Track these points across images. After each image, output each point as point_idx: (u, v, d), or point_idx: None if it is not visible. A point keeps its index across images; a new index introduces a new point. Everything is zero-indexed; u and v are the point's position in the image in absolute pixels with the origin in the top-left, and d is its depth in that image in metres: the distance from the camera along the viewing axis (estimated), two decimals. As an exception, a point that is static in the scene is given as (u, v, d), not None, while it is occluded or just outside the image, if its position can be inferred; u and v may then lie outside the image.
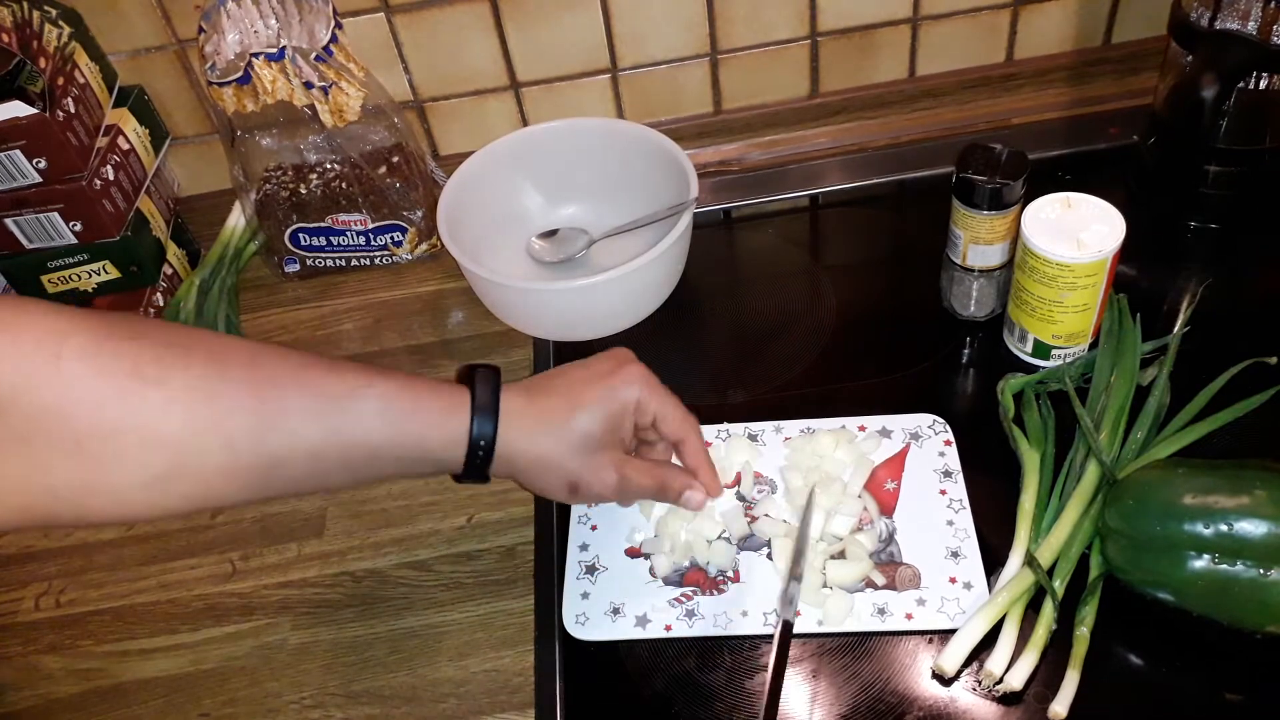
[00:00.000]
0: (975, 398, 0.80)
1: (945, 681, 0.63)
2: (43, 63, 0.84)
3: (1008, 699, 0.62)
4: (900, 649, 0.65)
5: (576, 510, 0.73)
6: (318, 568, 0.75)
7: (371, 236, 0.95)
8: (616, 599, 0.68)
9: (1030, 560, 0.65)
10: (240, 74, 0.83)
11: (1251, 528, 0.58)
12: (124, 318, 0.54)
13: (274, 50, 0.83)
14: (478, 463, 0.59)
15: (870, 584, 0.67)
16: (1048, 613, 0.63)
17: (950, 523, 0.69)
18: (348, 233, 0.94)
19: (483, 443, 0.59)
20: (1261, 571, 0.58)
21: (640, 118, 1.05)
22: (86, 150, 0.87)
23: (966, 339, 0.83)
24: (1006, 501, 0.69)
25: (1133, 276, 0.78)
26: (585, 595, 0.68)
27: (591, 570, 0.70)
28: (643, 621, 0.67)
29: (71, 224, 0.87)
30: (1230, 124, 0.84)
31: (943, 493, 0.71)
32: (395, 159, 0.93)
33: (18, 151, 0.82)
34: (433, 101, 1.02)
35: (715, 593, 0.68)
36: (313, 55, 0.84)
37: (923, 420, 0.75)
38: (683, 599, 0.68)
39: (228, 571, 0.76)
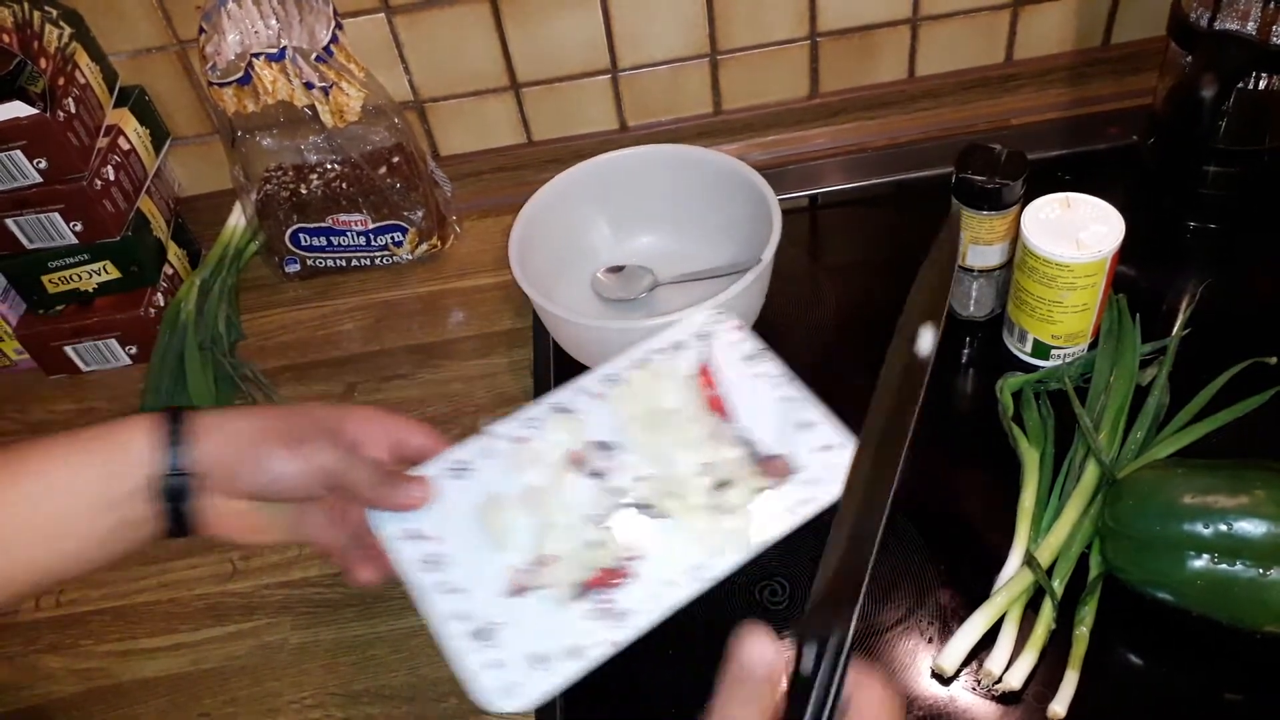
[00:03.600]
0: (975, 397, 0.80)
1: (944, 681, 0.63)
2: (43, 63, 0.84)
3: (1007, 698, 0.62)
4: (900, 649, 0.65)
5: (429, 579, 0.59)
6: (318, 567, 0.75)
7: (372, 237, 0.95)
8: (532, 648, 0.57)
9: (1030, 560, 0.65)
10: (241, 74, 0.83)
11: (1251, 527, 0.58)
12: None
13: (274, 50, 0.83)
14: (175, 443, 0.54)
15: (760, 490, 0.63)
16: (1047, 612, 0.63)
17: (784, 399, 0.66)
18: (348, 233, 0.95)
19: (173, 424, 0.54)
20: (1261, 571, 0.58)
21: (640, 118, 1.05)
22: (87, 150, 0.87)
23: (966, 339, 0.83)
24: (1006, 501, 0.69)
25: (1132, 277, 0.78)
26: (498, 664, 0.57)
27: (484, 635, 0.58)
28: (575, 653, 0.57)
29: (72, 224, 0.87)
30: (1229, 124, 0.84)
31: (761, 375, 0.68)
32: (395, 159, 0.93)
33: (18, 152, 0.82)
34: (433, 102, 1.03)
35: (625, 581, 0.60)
36: (313, 55, 0.84)
37: (701, 318, 0.71)
38: (600, 607, 0.60)
39: (228, 571, 0.76)
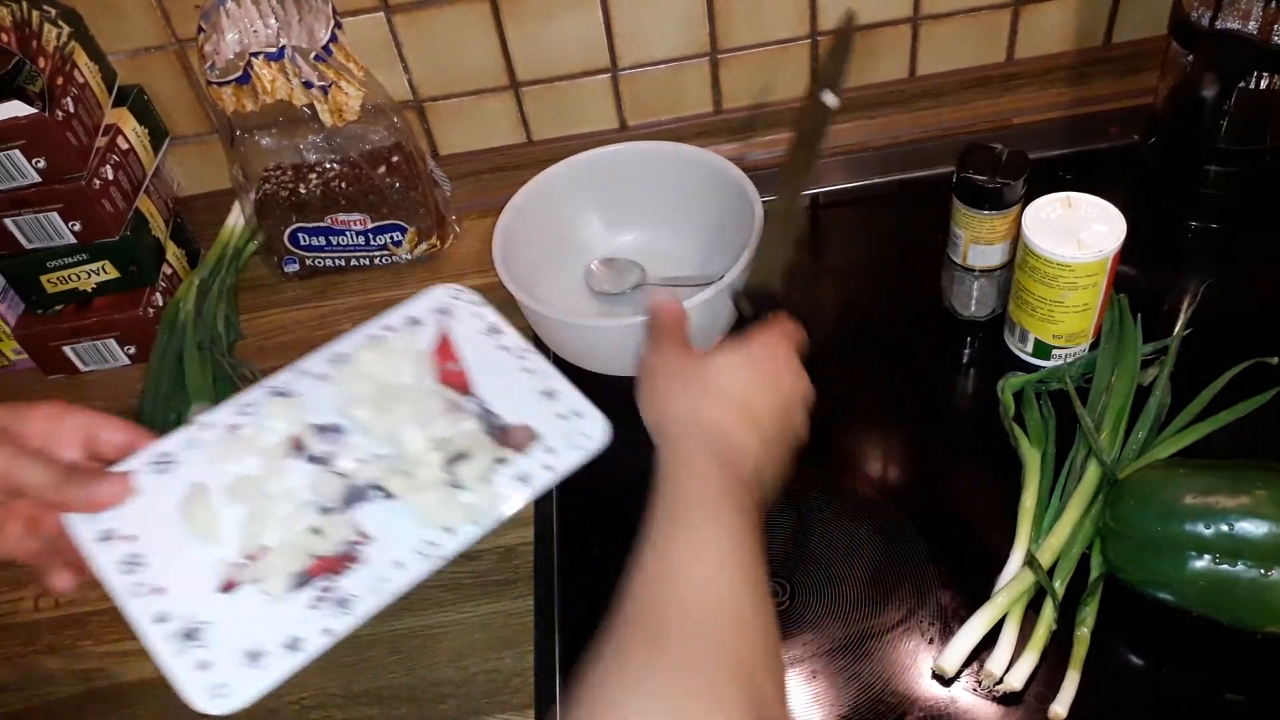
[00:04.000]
0: (976, 397, 0.80)
1: (945, 682, 0.63)
2: (42, 62, 0.84)
3: (1008, 699, 0.62)
4: (901, 650, 0.65)
5: (129, 581, 0.57)
6: (317, 568, 0.75)
7: (371, 236, 0.95)
8: (245, 645, 0.55)
9: (1031, 560, 0.65)
10: (240, 73, 0.83)
11: (1252, 528, 0.58)
12: None
13: (273, 50, 0.83)
14: None
15: (499, 461, 0.62)
16: (1048, 613, 0.63)
17: (526, 370, 0.66)
18: (347, 233, 0.94)
19: None
20: (1262, 571, 0.58)
21: (640, 117, 1.05)
22: (86, 150, 0.87)
23: (967, 339, 0.83)
24: (1007, 501, 0.69)
25: (1133, 276, 0.78)
26: (204, 665, 0.55)
27: (191, 635, 0.56)
28: (294, 645, 0.55)
29: (71, 224, 0.87)
30: (1231, 124, 0.84)
31: (502, 348, 0.67)
32: (395, 159, 0.93)
33: (17, 151, 0.82)
34: (432, 101, 1.02)
35: (351, 566, 0.59)
36: (312, 55, 0.84)
37: (441, 294, 0.70)
38: (322, 595, 0.58)
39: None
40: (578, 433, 0.62)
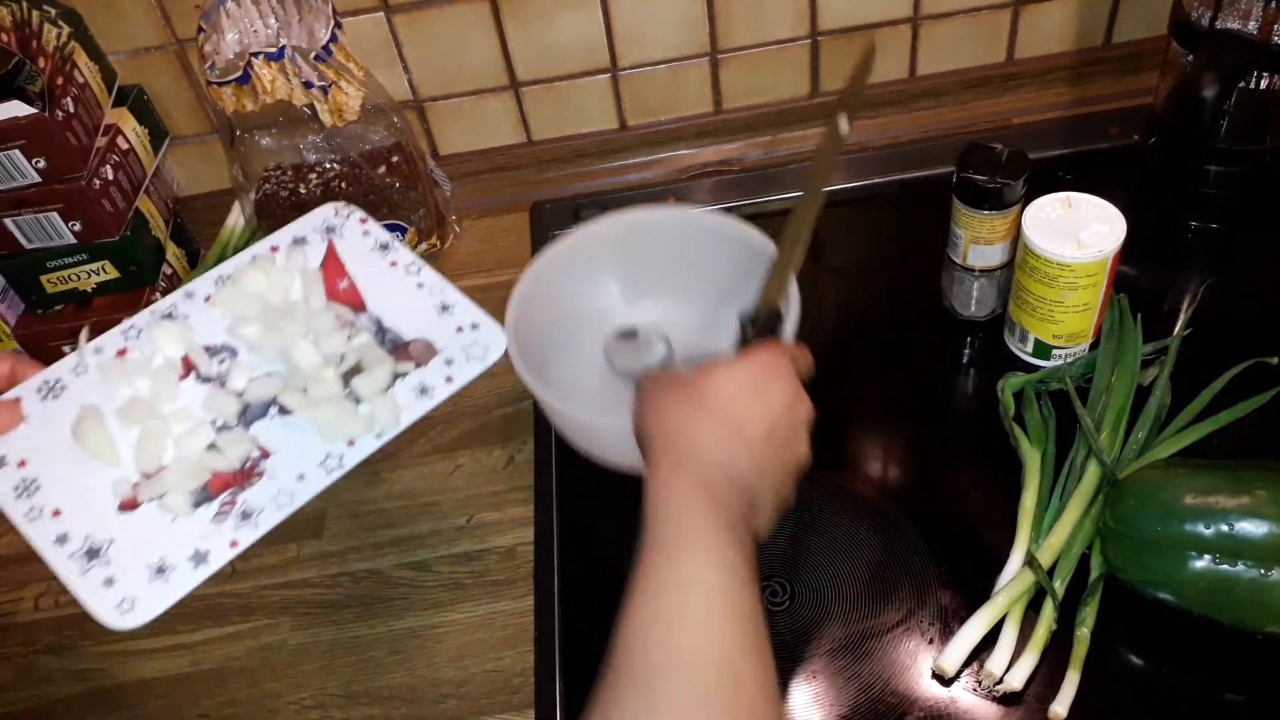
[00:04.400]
0: (976, 398, 0.80)
1: (945, 682, 0.63)
2: (42, 62, 0.84)
3: (1008, 699, 0.62)
4: (901, 650, 0.65)
5: (24, 506, 0.58)
6: (317, 568, 0.75)
7: (371, 236, 0.94)
8: (149, 559, 0.56)
9: (1031, 560, 0.65)
10: (240, 73, 0.83)
11: (1252, 528, 0.58)
12: None
13: (273, 50, 0.83)
14: None
15: (398, 376, 0.64)
16: (1048, 613, 0.63)
17: (420, 285, 0.67)
18: (347, 232, 0.94)
19: None
20: (1262, 572, 0.58)
21: (640, 117, 1.05)
22: (86, 150, 0.87)
23: (967, 339, 0.83)
24: (1007, 501, 0.69)
25: (1133, 276, 0.78)
26: (109, 582, 0.56)
27: (94, 554, 0.57)
28: (200, 558, 0.57)
29: (71, 224, 0.87)
30: (1231, 124, 0.84)
31: (394, 264, 0.68)
32: (395, 159, 0.93)
33: (17, 151, 0.82)
34: (432, 101, 1.02)
35: (255, 480, 0.59)
36: (312, 55, 0.84)
37: (325, 213, 0.70)
38: (225, 509, 0.59)
39: (227, 572, 0.75)
40: (477, 344, 0.64)
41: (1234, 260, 0.87)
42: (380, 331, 0.65)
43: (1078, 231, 0.71)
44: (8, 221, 0.86)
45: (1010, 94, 1.03)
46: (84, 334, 0.64)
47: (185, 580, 0.56)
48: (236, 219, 1.00)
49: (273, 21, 0.84)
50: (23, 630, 0.75)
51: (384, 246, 0.68)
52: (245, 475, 0.60)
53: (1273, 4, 0.76)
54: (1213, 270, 0.86)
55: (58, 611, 0.76)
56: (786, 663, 0.65)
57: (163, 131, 1.01)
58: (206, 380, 0.63)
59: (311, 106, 0.86)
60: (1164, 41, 0.86)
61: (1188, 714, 0.62)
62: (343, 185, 0.92)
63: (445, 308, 0.66)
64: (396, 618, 0.71)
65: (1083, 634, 0.62)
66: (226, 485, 0.60)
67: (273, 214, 0.93)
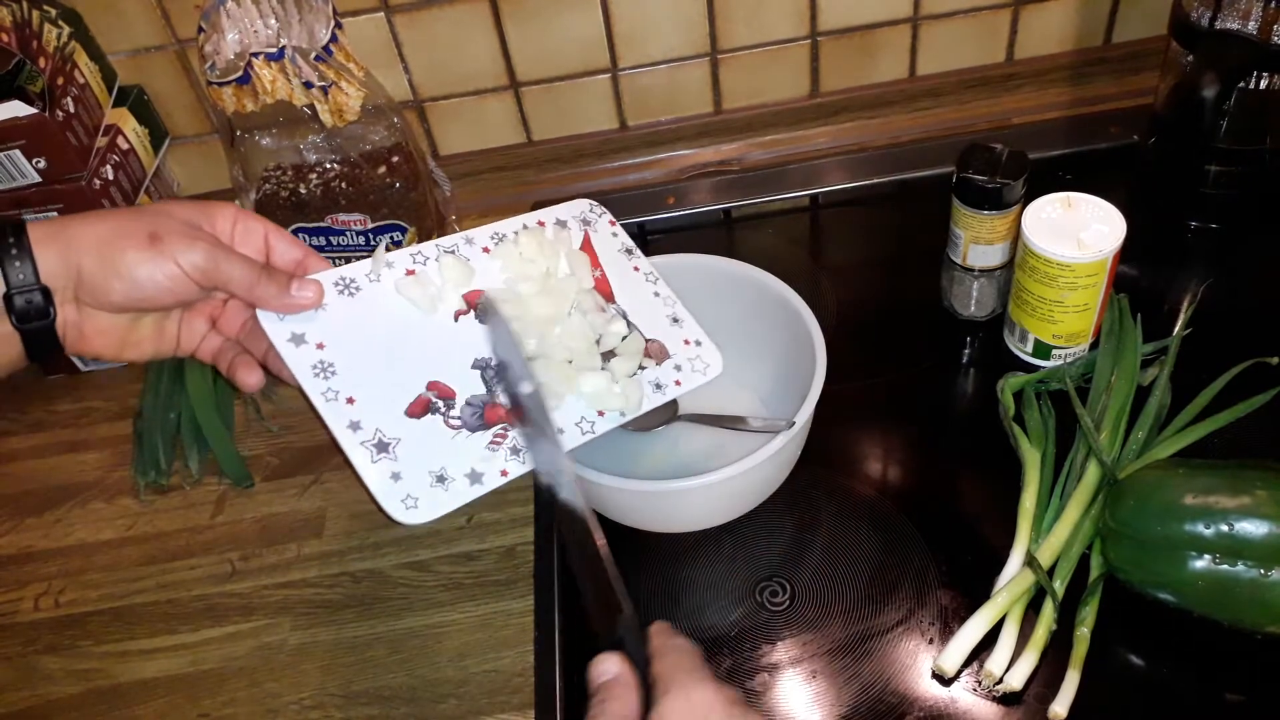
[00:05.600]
0: (976, 398, 0.80)
1: (945, 682, 0.63)
2: (42, 62, 0.84)
3: (1008, 699, 0.62)
4: (901, 650, 0.65)
5: (321, 385, 0.58)
6: (317, 568, 0.75)
7: (371, 236, 0.95)
8: (432, 465, 0.58)
9: (1031, 560, 0.65)
10: (240, 74, 0.83)
11: (1252, 528, 0.58)
12: None
13: (274, 50, 0.83)
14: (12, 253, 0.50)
15: (640, 367, 0.67)
16: (1048, 613, 0.63)
17: (656, 294, 0.71)
18: (347, 233, 0.94)
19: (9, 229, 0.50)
20: (1262, 572, 0.58)
21: (640, 117, 1.05)
22: (86, 150, 0.87)
23: (967, 339, 0.83)
24: (1007, 501, 0.69)
25: (1133, 276, 0.78)
26: (396, 476, 0.57)
27: (384, 447, 0.57)
28: (475, 478, 0.58)
29: (71, 224, 0.87)
30: (1231, 124, 0.84)
31: (635, 269, 0.72)
32: (395, 159, 0.93)
33: (17, 151, 0.82)
34: (432, 101, 1.02)
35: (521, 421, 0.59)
36: (312, 55, 0.84)
37: (581, 206, 0.73)
38: (498, 439, 0.60)
39: (227, 572, 0.76)
40: (700, 359, 0.68)
41: (1234, 260, 0.87)
42: (629, 326, 0.69)
43: (1078, 231, 0.71)
44: (8, 221, 0.86)
45: (1010, 94, 1.03)
46: (382, 245, 0.65)
47: (462, 493, 0.58)
48: (236, 219, 0.99)
49: (273, 21, 0.84)
50: (22, 631, 0.75)
51: (629, 251, 0.72)
52: (514, 414, 0.60)
53: (1273, 4, 0.76)
54: (1213, 270, 0.86)
55: (58, 611, 0.76)
56: (787, 662, 0.65)
57: (163, 132, 1.01)
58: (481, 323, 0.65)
59: (311, 107, 0.86)
60: (1164, 41, 0.86)
61: (1188, 714, 0.62)
62: (343, 185, 0.92)
63: (676, 320, 0.70)
64: (396, 618, 0.71)
65: (1083, 634, 0.62)
66: (497, 418, 0.61)
67: (273, 214, 0.93)
